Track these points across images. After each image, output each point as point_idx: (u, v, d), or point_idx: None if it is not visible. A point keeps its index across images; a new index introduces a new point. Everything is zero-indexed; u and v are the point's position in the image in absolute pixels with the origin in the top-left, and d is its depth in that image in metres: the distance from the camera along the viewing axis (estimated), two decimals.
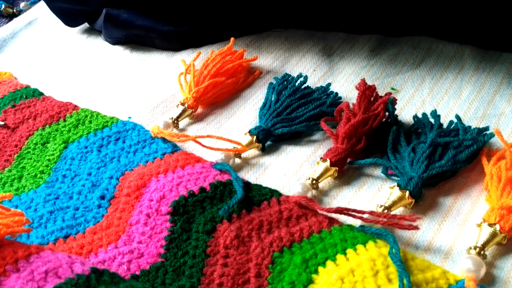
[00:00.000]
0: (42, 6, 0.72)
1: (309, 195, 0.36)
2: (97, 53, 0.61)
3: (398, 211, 0.34)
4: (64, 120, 0.48)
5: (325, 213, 0.34)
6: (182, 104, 0.47)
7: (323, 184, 0.38)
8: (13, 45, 0.67)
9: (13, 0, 0.79)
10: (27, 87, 0.55)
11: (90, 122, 0.47)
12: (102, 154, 0.44)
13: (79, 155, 0.44)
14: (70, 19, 0.65)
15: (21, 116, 0.49)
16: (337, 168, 0.38)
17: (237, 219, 0.35)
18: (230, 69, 0.47)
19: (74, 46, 0.64)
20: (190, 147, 0.44)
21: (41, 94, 0.53)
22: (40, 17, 0.73)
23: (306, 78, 0.46)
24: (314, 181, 0.37)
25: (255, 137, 0.41)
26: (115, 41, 0.62)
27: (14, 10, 0.76)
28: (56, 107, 0.49)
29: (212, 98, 0.47)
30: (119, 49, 0.61)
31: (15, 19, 0.74)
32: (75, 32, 0.67)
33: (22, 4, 0.79)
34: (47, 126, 0.48)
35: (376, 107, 0.39)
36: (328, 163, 0.37)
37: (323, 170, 0.37)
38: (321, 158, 0.38)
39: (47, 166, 0.44)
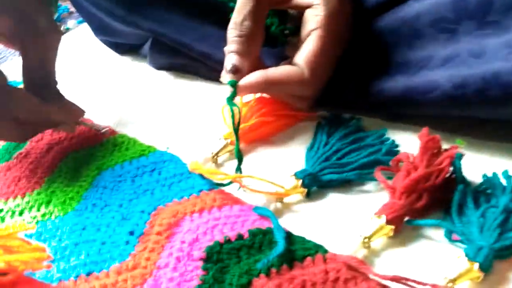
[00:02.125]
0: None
1: (359, 255, 0.32)
2: (141, 77, 0.60)
3: (464, 285, 0.30)
4: (101, 145, 0.46)
5: (378, 279, 0.30)
6: (225, 138, 0.44)
7: (375, 243, 0.34)
8: (57, 63, 0.67)
9: (62, 18, 0.80)
10: (61, 96, 0.53)
11: (127, 149, 0.45)
12: (136, 185, 0.41)
13: (112, 184, 0.42)
14: (117, 48, 0.65)
15: (57, 137, 0.48)
16: (393, 227, 0.33)
17: (276, 275, 0.31)
18: (281, 110, 0.44)
19: (118, 68, 0.63)
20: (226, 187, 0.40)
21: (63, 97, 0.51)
22: (87, 37, 0.73)
23: (360, 121, 0.42)
24: (366, 240, 0.33)
25: (300, 181, 0.38)
26: (159, 67, 0.60)
27: (62, 29, 0.76)
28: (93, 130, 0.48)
29: (257, 136, 0.44)
30: (163, 74, 0.60)
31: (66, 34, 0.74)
32: (120, 55, 0.66)
33: (69, 23, 0.79)
34: (82, 149, 0.46)
35: (441, 161, 0.35)
36: (383, 220, 0.33)
37: (378, 228, 0.33)
38: (375, 213, 0.34)
39: (77, 192, 0.42)
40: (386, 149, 0.39)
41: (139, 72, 0.61)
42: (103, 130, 0.47)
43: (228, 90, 0.42)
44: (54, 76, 0.47)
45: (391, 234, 0.34)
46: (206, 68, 0.56)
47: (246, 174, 0.39)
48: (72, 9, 0.86)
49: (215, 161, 0.44)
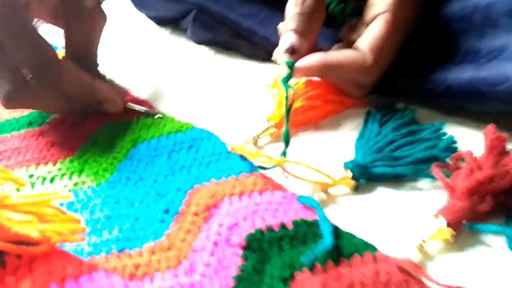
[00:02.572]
0: None
1: (413, 258, 0.30)
2: (180, 51, 0.58)
3: None
4: (137, 118, 0.44)
5: (435, 286, 0.28)
6: (268, 120, 0.41)
7: (430, 246, 0.31)
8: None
9: None
10: (103, 76, 0.52)
11: (164, 125, 0.43)
12: (172, 160, 0.39)
13: (147, 157, 0.40)
14: (155, 21, 0.64)
15: None
16: (452, 231, 0.31)
17: (321, 271, 0.29)
18: (330, 94, 0.42)
19: (156, 41, 0.61)
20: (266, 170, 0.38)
21: (111, 81, 0.49)
22: (124, 7, 0.71)
23: (414, 112, 0.39)
24: (421, 242, 0.30)
25: (349, 172, 0.35)
26: (199, 41, 0.58)
27: None
28: (129, 101, 0.45)
29: (302, 121, 0.42)
30: (203, 49, 0.57)
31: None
32: (158, 27, 0.64)
33: None
34: (118, 121, 0.44)
35: (507, 162, 0.32)
36: (442, 222, 0.30)
37: (435, 230, 0.31)
38: (433, 214, 0.31)
39: (111, 164, 0.40)
40: (444, 144, 0.36)
41: (178, 46, 0.59)
42: (156, 116, 0.44)
43: (282, 71, 0.39)
44: (96, 58, 0.46)
45: (450, 239, 0.31)
46: (249, 45, 0.53)
47: (292, 159, 0.36)
48: None
49: (255, 143, 0.42)
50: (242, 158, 0.38)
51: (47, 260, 0.25)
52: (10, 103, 0.40)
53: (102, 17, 0.44)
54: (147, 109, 0.45)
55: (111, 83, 0.46)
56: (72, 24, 0.43)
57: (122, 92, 0.46)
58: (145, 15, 0.65)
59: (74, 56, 0.43)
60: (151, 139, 0.42)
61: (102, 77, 0.46)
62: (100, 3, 0.45)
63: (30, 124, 0.46)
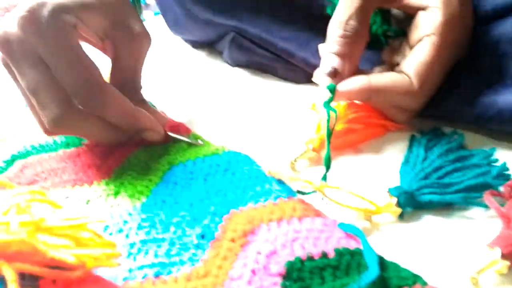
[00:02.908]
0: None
1: None
2: (216, 73, 0.58)
3: None
4: (173, 141, 0.44)
5: None
6: (306, 144, 0.40)
7: (484, 280, 0.29)
8: None
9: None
10: (145, 101, 0.52)
11: (201, 148, 0.42)
12: (208, 184, 0.38)
13: (183, 181, 0.39)
14: (191, 43, 0.64)
15: None
16: (508, 263, 0.28)
17: None
18: (372, 117, 0.40)
19: (193, 62, 0.61)
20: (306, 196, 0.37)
21: (154, 107, 0.49)
22: (163, 28, 0.72)
23: (463, 136, 0.37)
24: (474, 275, 0.28)
25: (394, 199, 0.33)
26: (235, 64, 0.58)
27: None
28: (167, 125, 0.45)
29: (341, 144, 0.40)
30: (239, 71, 0.57)
31: None
32: (194, 49, 0.64)
33: (145, 14, 0.79)
34: (153, 145, 0.44)
35: None
36: (497, 253, 0.28)
37: (489, 262, 0.28)
38: (487, 244, 0.29)
39: (147, 186, 0.39)
40: (496, 171, 0.34)
41: (214, 68, 0.59)
42: (194, 143, 0.43)
43: (323, 94, 0.38)
44: (140, 82, 0.45)
45: (506, 271, 0.29)
46: (285, 67, 0.53)
47: (332, 184, 0.35)
48: (149, 1, 0.85)
49: (293, 167, 0.40)
50: (280, 182, 0.37)
51: (81, 286, 0.24)
52: (56, 129, 0.38)
53: (148, 41, 0.44)
54: (187, 139, 0.44)
55: (152, 109, 0.45)
56: (120, 49, 0.42)
57: (162, 120, 0.45)
58: (181, 38, 0.65)
59: (119, 80, 0.43)
60: (186, 162, 0.41)
61: (143, 101, 0.46)
62: (145, 27, 0.45)
63: (67, 145, 0.46)
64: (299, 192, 0.36)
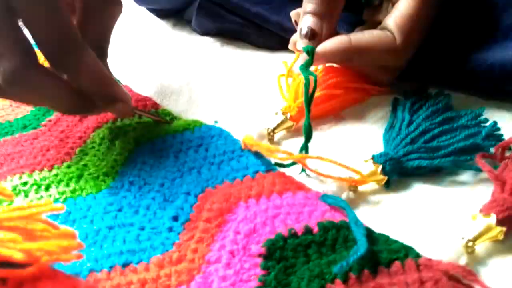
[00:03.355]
0: None
1: (461, 261, 0.26)
2: (184, 43, 0.54)
3: None
4: (139, 117, 0.40)
5: None
6: (283, 113, 0.37)
7: (479, 247, 0.27)
8: None
9: None
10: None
11: (169, 125, 0.39)
12: (179, 162, 0.36)
13: (152, 160, 0.36)
14: (157, 13, 0.60)
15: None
16: (503, 229, 0.26)
17: (356, 282, 0.25)
18: (352, 81, 0.38)
19: (159, 33, 0.57)
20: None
21: (118, 81, 0.45)
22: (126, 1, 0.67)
23: (449, 97, 0.35)
24: (469, 243, 0.26)
25: (380, 167, 0.31)
26: (204, 32, 0.54)
27: None
28: (132, 100, 0.41)
29: (322, 111, 0.38)
30: (208, 40, 0.53)
31: None
32: (160, 20, 0.60)
33: None
34: (118, 120, 0.40)
35: None
36: (492, 219, 0.26)
37: (484, 228, 0.26)
38: (479, 210, 0.27)
39: (112, 167, 0.36)
40: (486, 132, 0.32)
41: (182, 38, 0.55)
42: (164, 120, 0.40)
43: (301, 57, 0.35)
44: (107, 50, 0.40)
45: (501, 237, 0.27)
46: (259, 34, 0.49)
47: (313, 155, 0.32)
48: None
49: (271, 139, 0.38)
50: (258, 155, 0.35)
51: (36, 284, 0.21)
52: (10, 84, 0.31)
53: (120, 8, 0.39)
54: (155, 117, 0.40)
55: (117, 83, 0.41)
56: (92, 12, 0.37)
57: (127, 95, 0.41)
58: (146, 8, 0.61)
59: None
60: (155, 139, 0.38)
61: (110, 73, 0.41)
62: None
63: (24, 127, 0.42)
64: (278, 164, 0.34)
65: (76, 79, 0.33)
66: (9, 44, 0.31)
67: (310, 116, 0.36)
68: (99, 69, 0.34)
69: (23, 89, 0.32)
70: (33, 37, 0.32)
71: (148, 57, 0.53)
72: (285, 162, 0.33)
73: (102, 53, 0.39)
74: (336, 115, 0.38)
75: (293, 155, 0.32)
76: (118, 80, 0.47)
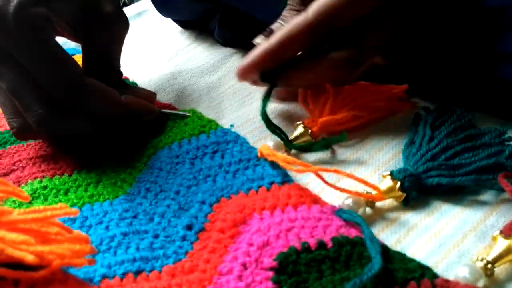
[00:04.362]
0: None
1: (480, 284, 0.25)
2: (207, 52, 0.54)
3: None
4: (167, 117, 0.41)
5: None
6: (304, 126, 0.37)
7: (499, 270, 0.26)
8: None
9: None
10: (126, 79, 0.49)
11: (186, 124, 0.39)
12: (195, 168, 0.36)
13: (168, 166, 0.36)
14: (184, 26, 0.61)
15: None
16: None
17: None
18: (379, 104, 0.37)
19: (182, 43, 0.58)
20: (302, 179, 0.34)
21: (135, 84, 0.46)
22: (151, 9, 0.69)
23: (472, 114, 0.34)
24: (488, 265, 0.25)
25: (398, 183, 0.30)
26: (226, 43, 0.55)
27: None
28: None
29: (342, 128, 0.37)
30: (230, 51, 0.54)
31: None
32: (184, 30, 0.61)
33: None
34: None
35: None
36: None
37: (504, 250, 0.26)
38: (500, 231, 0.26)
39: (130, 173, 0.37)
40: (509, 150, 0.31)
41: (205, 48, 0.56)
42: (186, 115, 0.41)
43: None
44: (119, 67, 0.41)
45: None
46: None
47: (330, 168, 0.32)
48: None
49: (288, 150, 0.37)
50: (274, 165, 0.34)
51: (47, 287, 0.21)
52: (42, 129, 0.36)
53: (123, 23, 0.40)
54: (180, 112, 0.41)
55: (137, 89, 0.42)
56: (91, 32, 0.39)
57: (150, 97, 0.42)
58: (171, 19, 0.62)
59: (94, 67, 0.40)
60: (172, 144, 0.38)
61: (125, 85, 0.42)
62: (121, 8, 0.41)
63: None
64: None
65: (90, 112, 0.37)
66: (34, 98, 0.35)
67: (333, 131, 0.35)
68: (108, 98, 0.37)
69: (53, 129, 0.37)
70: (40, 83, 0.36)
71: (170, 65, 0.53)
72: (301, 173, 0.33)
73: (111, 72, 0.40)
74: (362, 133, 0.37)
75: (311, 167, 0.32)
76: (134, 83, 0.48)
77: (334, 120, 0.36)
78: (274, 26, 0.37)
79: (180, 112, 0.41)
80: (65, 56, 0.36)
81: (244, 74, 0.36)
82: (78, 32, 0.39)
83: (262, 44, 0.36)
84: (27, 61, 0.35)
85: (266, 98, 0.37)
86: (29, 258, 0.20)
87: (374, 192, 0.30)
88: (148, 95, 0.42)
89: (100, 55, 0.40)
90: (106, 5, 0.39)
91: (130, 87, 0.42)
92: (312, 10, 0.33)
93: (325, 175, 0.32)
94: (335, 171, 0.31)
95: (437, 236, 0.29)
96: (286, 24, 0.35)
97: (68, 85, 0.35)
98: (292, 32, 0.34)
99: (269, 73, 0.36)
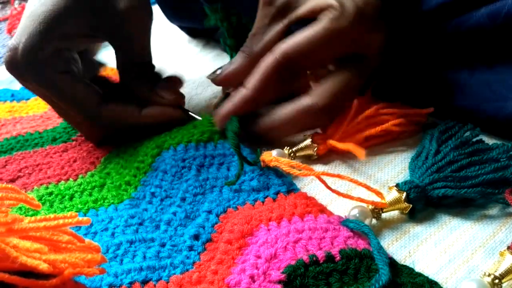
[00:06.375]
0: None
1: None
2: (214, 62, 0.55)
3: None
4: (189, 118, 0.41)
5: None
6: (312, 140, 0.37)
7: (507, 285, 0.26)
8: None
9: None
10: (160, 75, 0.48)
11: (194, 126, 0.39)
12: (202, 177, 0.35)
13: (174, 169, 0.36)
14: (191, 34, 0.61)
15: None
16: None
17: None
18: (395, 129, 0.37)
19: (190, 51, 0.58)
20: (310, 191, 0.34)
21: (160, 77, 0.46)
22: (158, 18, 0.69)
23: (478, 130, 0.35)
24: (495, 280, 0.25)
25: (404, 194, 0.31)
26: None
27: None
28: None
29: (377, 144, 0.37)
30: None
31: None
32: (192, 38, 0.61)
33: None
34: None
35: None
36: None
37: (511, 265, 0.26)
38: (508, 247, 0.26)
39: (134, 176, 0.36)
40: None
41: (212, 58, 0.56)
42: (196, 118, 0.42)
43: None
44: (149, 59, 0.41)
45: None
46: None
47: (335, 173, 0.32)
48: None
49: (293, 158, 0.37)
50: (278, 174, 0.34)
51: None
52: (98, 121, 0.40)
53: (142, 14, 0.39)
54: (194, 115, 0.41)
55: (165, 91, 0.41)
56: (113, 33, 0.38)
57: (176, 100, 0.41)
58: (178, 27, 0.62)
59: (126, 65, 0.39)
60: (177, 145, 0.38)
61: (157, 79, 0.41)
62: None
63: (54, 140, 0.43)
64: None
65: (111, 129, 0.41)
66: (88, 92, 0.39)
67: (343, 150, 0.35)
68: (125, 119, 0.40)
69: (106, 119, 0.39)
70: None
71: (177, 74, 0.53)
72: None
73: (144, 66, 0.41)
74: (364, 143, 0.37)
75: (314, 171, 0.32)
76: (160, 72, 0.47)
77: (369, 135, 0.36)
78: (222, 67, 0.39)
79: (193, 115, 0.42)
80: (76, 92, 0.38)
81: (224, 121, 0.38)
82: (102, 36, 0.39)
83: (239, 91, 0.37)
84: (48, 102, 0.40)
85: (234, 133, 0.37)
86: (43, 266, 0.20)
87: (377, 199, 0.31)
88: (174, 98, 0.41)
89: (128, 52, 0.39)
90: (119, 2, 0.37)
91: (160, 85, 0.41)
92: (279, 50, 0.35)
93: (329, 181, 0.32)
94: (338, 176, 0.31)
95: (444, 250, 0.29)
96: (257, 69, 0.36)
97: (86, 118, 0.39)
98: (264, 73, 0.36)
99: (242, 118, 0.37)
